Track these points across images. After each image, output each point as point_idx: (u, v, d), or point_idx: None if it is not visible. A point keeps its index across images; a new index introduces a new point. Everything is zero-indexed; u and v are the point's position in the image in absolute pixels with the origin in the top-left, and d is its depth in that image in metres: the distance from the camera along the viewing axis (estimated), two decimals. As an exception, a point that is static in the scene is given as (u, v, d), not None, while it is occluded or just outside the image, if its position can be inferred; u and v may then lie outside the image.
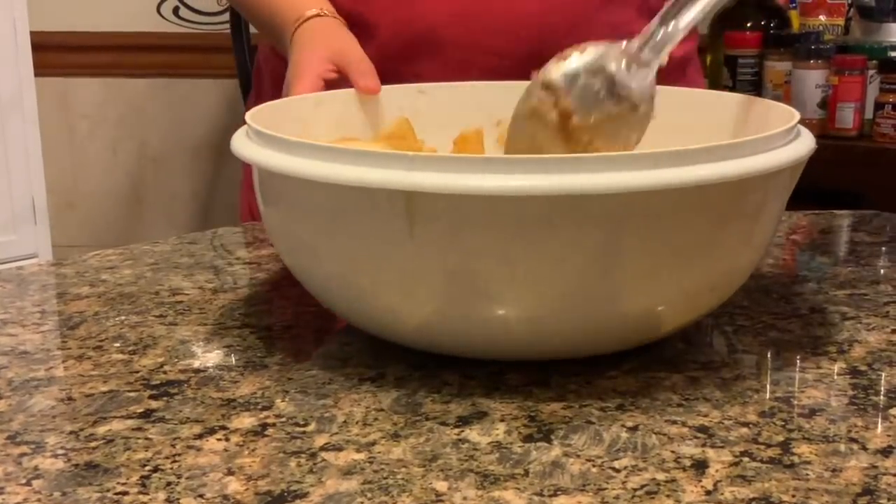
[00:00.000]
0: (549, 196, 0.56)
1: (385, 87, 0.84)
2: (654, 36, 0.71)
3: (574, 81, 0.70)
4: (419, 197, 0.57)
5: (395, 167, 0.57)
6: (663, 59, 0.71)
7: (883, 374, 0.65)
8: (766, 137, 0.61)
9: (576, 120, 0.70)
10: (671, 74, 1.04)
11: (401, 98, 0.84)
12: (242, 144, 0.67)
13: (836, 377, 0.65)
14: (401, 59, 0.99)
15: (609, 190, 0.56)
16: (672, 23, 0.71)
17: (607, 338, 0.65)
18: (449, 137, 0.82)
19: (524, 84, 0.74)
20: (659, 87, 0.73)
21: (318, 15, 0.95)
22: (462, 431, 0.57)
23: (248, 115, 0.70)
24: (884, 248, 0.94)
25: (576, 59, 0.71)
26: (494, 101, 0.81)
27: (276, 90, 0.92)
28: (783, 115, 0.68)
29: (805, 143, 0.65)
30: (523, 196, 0.56)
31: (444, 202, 0.57)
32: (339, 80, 0.88)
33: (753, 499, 0.50)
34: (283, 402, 0.61)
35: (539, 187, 0.55)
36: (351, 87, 0.85)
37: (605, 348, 0.66)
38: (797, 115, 0.67)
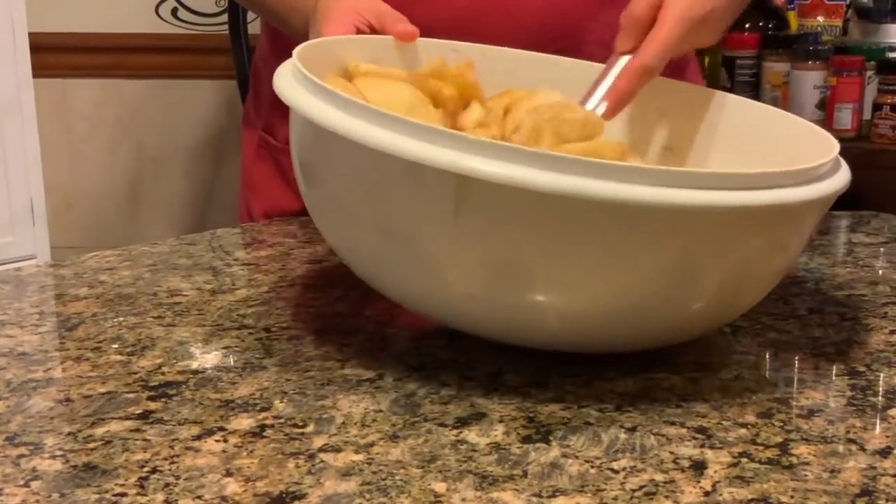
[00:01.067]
0: (599, 200, 0.55)
1: (420, 39, 0.84)
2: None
3: None
4: (469, 182, 0.56)
5: (449, 147, 0.56)
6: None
7: (881, 375, 0.65)
8: (814, 167, 0.62)
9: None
10: (671, 76, 1.04)
11: (433, 52, 0.83)
12: (292, 89, 0.64)
13: (834, 378, 0.65)
14: None
15: (661, 205, 0.56)
16: None
17: (631, 342, 0.65)
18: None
19: (551, 57, 0.80)
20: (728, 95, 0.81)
21: None
22: (461, 432, 0.57)
23: (297, 53, 0.68)
24: (882, 249, 0.94)
25: None
26: (523, 70, 0.81)
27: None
28: (824, 144, 0.68)
29: (844, 175, 0.65)
30: (573, 197, 0.55)
31: (493, 191, 0.56)
32: (368, 34, 0.87)
33: (752, 500, 0.50)
34: (281, 403, 0.61)
35: (590, 190, 0.55)
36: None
37: (626, 349, 0.67)
38: (837, 146, 0.67)
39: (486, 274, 0.60)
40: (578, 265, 0.59)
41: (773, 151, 0.74)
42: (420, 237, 0.60)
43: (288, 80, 0.66)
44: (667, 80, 0.85)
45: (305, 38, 0.88)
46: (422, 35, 0.97)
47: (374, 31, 0.86)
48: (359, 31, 0.85)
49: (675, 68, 1.06)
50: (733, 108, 0.82)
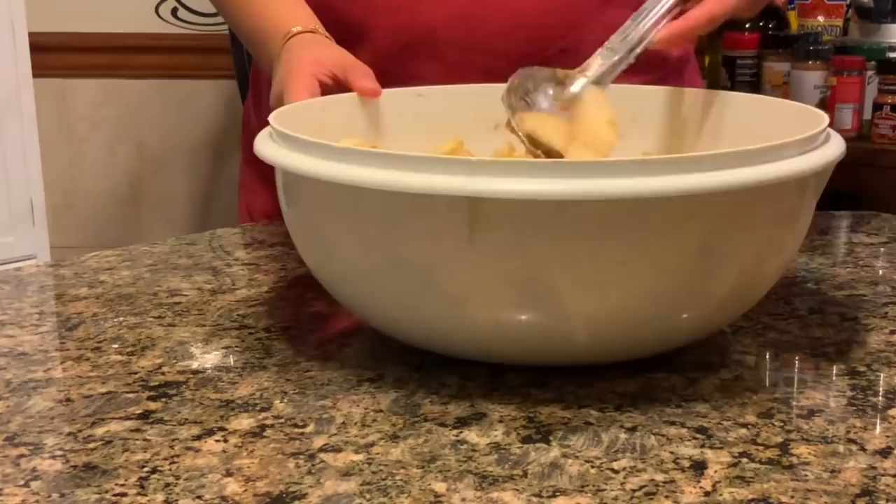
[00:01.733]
0: (614, 199, 0.56)
1: (384, 91, 0.84)
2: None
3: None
4: (482, 203, 0.56)
5: (457, 172, 0.56)
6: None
7: (882, 375, 0.65)
8: (800, 140, 0.62)
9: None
10: (669, 76, 1.04)
11: (399, 99, 0.84)
12: (290, 157, 0.63)
13: (834, 378, 0.65)
14: (398, 61, 0.99)
15: (674, 192, 0.56)
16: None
17: (662, 341, 0.65)
18: (448, 140, 0.81)
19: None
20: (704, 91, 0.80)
21: (307, 31, 0.93)
22: (461, 432, 0.57)
23: (273, 122, 0.68)
24: (882, 249, 0.94)
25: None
26: (493, 104, 0.81)
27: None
28: (811, 119, 0.69)
29: (838, 142, 0.66)
30: (587, 200, 0.56)
31: (508, 208, 0.56)
32: (332, 87, 0.87)
33: (752, 500, 0.50)
34: (281, 403, 0.61)
35: (604, 190, 0.56)
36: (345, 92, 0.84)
37: (655, 350, 0.66)
38: (826, 119, 0.68)
39: (512, 294, 0.60)
40: (603, 267, 0.59)
41: (757, 137, 0.74)
42: (436, 268, 0.60)
43: (269, 146, 0.66)
44: (636, 87, 0.85)
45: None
46: (423, 35, 0.97)
47: (337, 81, 0.85)
48: (322, 85, 0.84)
49: (673, 69, 1.06)
50: (709, 103, 0.81)
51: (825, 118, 0.68)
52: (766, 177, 0.58)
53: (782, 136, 0.61)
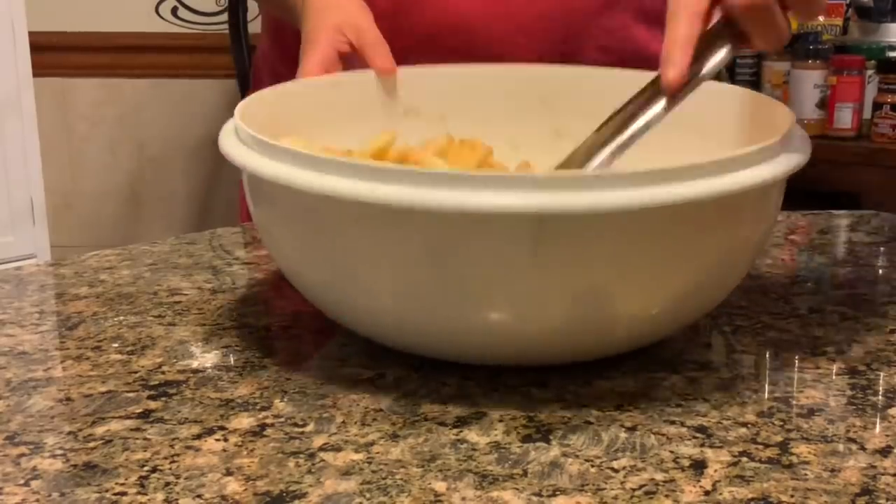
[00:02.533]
0: (671, 204, 0.57)
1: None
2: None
3: None
4: (549, 219, 0.56)
5: (524, 189, 0.56)
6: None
7: (881, 374, 0.65)
8: (761, 150, 0.62)
9: None
10: None
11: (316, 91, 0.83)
12: (314, 178, 0.59)
13: (834, 377, 0.65)
14: (398, 62, 0.99)
15: (710, 195, 0.57)
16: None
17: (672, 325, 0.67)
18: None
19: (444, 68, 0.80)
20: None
21: None
22: (461, 432, 0.57)
23: (238, 112, 0.67)
24: (882, 249, 0.94)
25: None
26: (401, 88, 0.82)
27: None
28: (782, 120, 0.68)
29: (794, 158, 0.64)
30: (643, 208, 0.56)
31: (571, 222, 0.57)
32: (351, 54, 0.86)
33: (752, 499, 0.50)
34: (281, 402, 0.61)
35: (659, 197, 0.56)
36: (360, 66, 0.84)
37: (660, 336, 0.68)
38: (791, 118, 0.67)
39: (573, 302, 0.60)
40: (651, 269, 0.60)
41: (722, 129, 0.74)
42: (497, 285, 0.59)
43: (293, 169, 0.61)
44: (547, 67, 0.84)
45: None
46: (425, 39, 0.96)
47: (353, 48, 0.84)
48: (340, 54, 0.84)
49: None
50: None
51: (791, 116, 0.68)
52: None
53: (744, 128, 0.62)
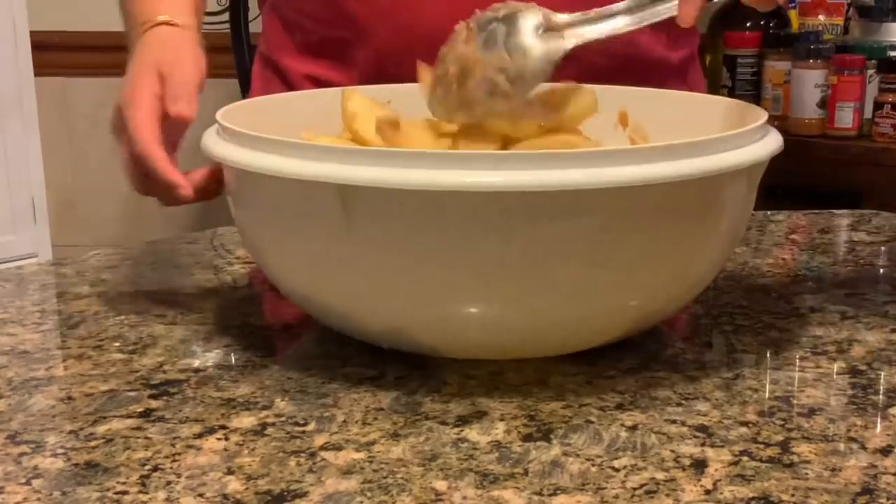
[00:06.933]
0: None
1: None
2: (584, 23, 0.70)
3: (486, 24, 0.70)
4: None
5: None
6: (568, 45, 0.70)
7: (882, 374, 0.65)
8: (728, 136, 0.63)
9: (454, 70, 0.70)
10: (669, 79, 1.03)
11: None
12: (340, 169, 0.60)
13: (835, 376, 0.65)
14: (398, 63, 0.99)
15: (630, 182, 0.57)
16: (605, 21, 0.70)
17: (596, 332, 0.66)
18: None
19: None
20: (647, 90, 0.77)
21: (167, 23, 0.87)
22: (461, 431, 0.57)
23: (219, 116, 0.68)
24: (883, 248, 0.94)
25: (501, 8, 0.71)
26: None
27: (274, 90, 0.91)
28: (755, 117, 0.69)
29: (767, 146, 0.65)
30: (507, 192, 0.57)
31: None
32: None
33: (753, 498, 0.50)
34: (282, 401, 0.61)
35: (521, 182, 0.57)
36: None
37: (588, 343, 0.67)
38: (764, 116, 0.68)
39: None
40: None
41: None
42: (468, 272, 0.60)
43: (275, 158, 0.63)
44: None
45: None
46: (424, 37, 0.96)
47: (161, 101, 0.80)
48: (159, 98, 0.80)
49: (675, 71, 1.06)
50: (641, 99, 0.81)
51: (762, 114, 0.68)
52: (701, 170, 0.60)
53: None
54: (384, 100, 0.78)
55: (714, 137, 0.61)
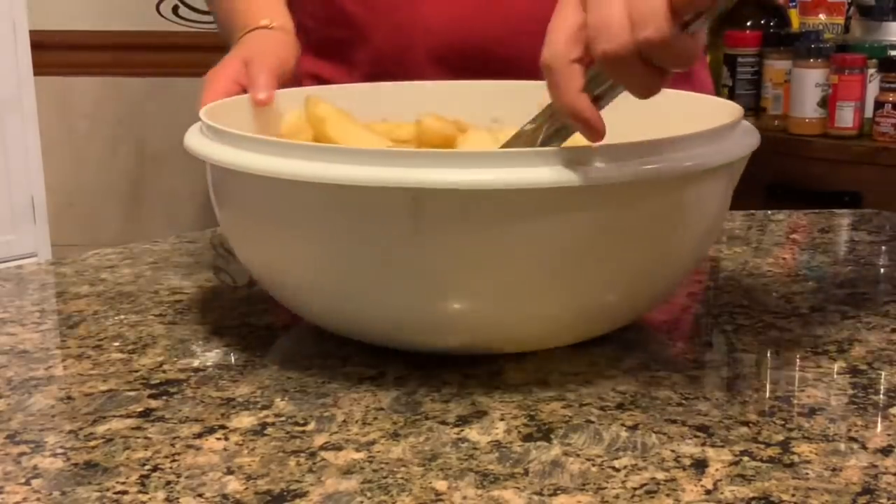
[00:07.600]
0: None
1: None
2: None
3: None
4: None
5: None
6: None
7: (883, 373, 0.65)
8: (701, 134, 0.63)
9: None
10: (676, 77, 1.03)
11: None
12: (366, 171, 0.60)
13: (835, 376, 0.65)
14: (398, 62, 0.99)
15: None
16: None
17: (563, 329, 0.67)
18: None
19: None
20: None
21: (265, 27, 0.93)
22: (462, 430, 0.57)
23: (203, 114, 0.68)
24: (884, 248, 0.94)
25: None
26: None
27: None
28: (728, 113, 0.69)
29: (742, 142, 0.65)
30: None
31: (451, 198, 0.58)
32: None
33: (753, 498, 0.50)
34: (282, 401, 0.61)
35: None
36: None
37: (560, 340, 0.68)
38: (739, 113, 0.68)
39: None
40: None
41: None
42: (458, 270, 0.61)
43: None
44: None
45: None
46: (423, 37, 0.96)
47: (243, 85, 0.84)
48: (241, 86, 0.83)
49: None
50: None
51: (738, 111, 0.68)
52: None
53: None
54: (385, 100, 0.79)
55: (681, 136, 0.62)
